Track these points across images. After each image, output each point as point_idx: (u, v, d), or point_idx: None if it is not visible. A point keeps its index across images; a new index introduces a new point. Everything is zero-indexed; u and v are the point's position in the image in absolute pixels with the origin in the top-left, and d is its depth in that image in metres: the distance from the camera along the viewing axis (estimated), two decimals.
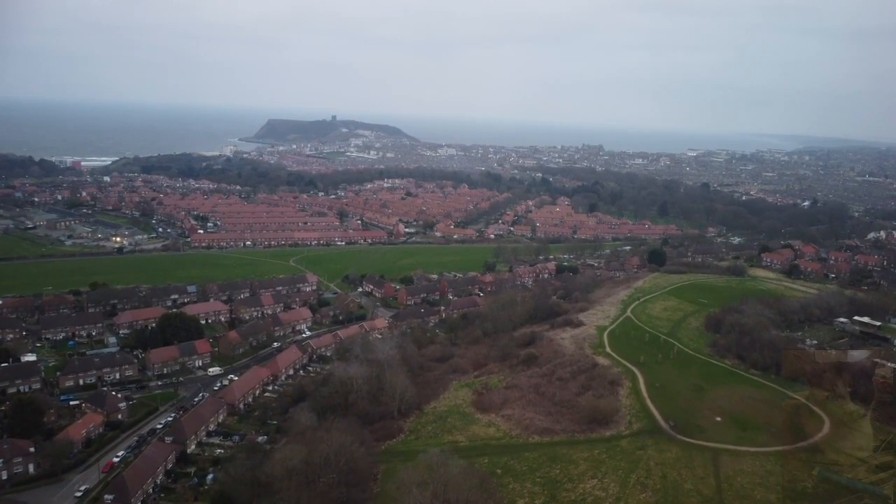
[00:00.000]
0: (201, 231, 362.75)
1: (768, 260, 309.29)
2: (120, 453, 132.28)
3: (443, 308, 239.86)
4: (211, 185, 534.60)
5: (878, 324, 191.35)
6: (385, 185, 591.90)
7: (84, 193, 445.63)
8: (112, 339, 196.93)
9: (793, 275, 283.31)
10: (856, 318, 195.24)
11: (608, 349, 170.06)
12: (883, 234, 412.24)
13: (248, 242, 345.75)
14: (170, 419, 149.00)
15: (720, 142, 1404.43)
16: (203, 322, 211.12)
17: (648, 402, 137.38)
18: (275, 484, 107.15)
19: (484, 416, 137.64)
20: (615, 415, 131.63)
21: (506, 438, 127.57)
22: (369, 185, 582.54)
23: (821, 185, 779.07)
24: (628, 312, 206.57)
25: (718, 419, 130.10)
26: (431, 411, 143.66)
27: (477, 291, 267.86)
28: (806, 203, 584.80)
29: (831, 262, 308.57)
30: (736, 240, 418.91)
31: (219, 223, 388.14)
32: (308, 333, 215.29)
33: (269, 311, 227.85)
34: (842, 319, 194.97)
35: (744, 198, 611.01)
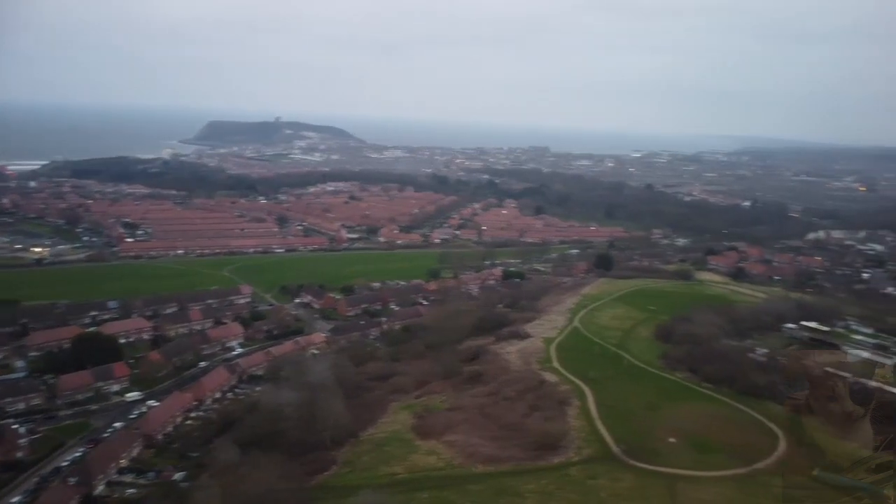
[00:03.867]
0: (130, 240, 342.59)
1: (714, 263, 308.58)
2: (14, 500, 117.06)
3: (385, 319, 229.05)
4: (145, 191, 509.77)
5: (827, 329, 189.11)
6: (329, 188, 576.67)
7: (6, 200, 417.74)
8: (20, 364, 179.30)
9: (739, 277, 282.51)
10: (804, 323, 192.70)
11: (556, 364, 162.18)
12: (822, 233, 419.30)
13: (181, 251, 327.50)
14: (78, 454, 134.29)
15: (663, 142, 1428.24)
16: (123, 341, 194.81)
17: (599, 423, 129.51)
18: None
19: (425, 443, 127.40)
20: (564, 439, 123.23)
21: (448, 468, 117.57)
22: (312, 189, 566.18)
23: (760, 185, 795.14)
24: (576, 322, 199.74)
25: (673, 440, 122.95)
26: (368, 439, 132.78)
27: (421, 300, 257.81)
28: (747, 203, 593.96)
29: (776, 264, 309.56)
30: (681, 242, 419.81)
31: (150, 231, 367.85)
32: (239, 351, 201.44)
33: (198, 328, 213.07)
34: (791, 325, 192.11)
35: (687, 199, 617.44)
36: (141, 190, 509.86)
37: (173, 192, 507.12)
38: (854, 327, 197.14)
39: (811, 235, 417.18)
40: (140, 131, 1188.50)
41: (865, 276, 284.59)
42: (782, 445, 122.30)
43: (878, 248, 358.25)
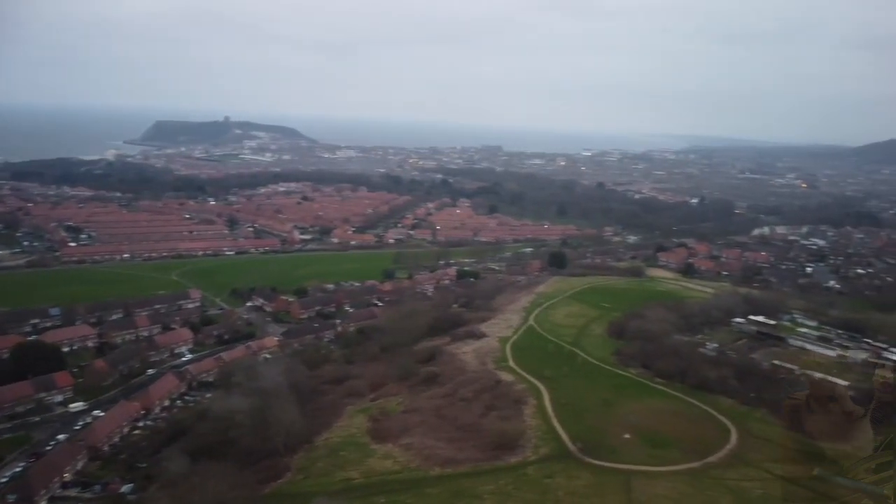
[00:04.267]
0: (73, 244, 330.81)
1: (665, 259, 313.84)
2: None
3: (339, 322, 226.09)
4: (89, 193, 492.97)
5: (774, 323, 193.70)
6: (280, 189, 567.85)
7: None
8: None
9: (688, 273, 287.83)
10: (751, 317, 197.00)
11: (512, 363, 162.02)
12: (767, 230, 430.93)
13: (127, 255, 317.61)
14: (19, 469, 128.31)
15: (613, 141, 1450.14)
16: (67, 350, 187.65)
17: (555, 421, 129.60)
18: None
19: (381, 447, 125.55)
20: (521, 438, 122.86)
21: (405, 472, 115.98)
22: (263, 190, 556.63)
23: (707, 182, 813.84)
24: (531, 321, 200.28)
25: (628, 436, 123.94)
26: (323, 444, 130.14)
27: (376, 301, 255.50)
28: (695, 201, 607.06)
29: (723, 259, 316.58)
30: (632, 239, 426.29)
31: (94, 234, 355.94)
32: (189, 357, 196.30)
33: (145, 334, 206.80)
34: (739, 320, 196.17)
35: (637, 196, 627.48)
36: (85, 192, 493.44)
37: (118, 194, 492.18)
38: (799, 320, 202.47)
39: (756, 231, 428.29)
40: (84, 132, 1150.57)
41: (809, 270, 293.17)
42: (734, 439, 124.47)
43: (820, 242, 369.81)
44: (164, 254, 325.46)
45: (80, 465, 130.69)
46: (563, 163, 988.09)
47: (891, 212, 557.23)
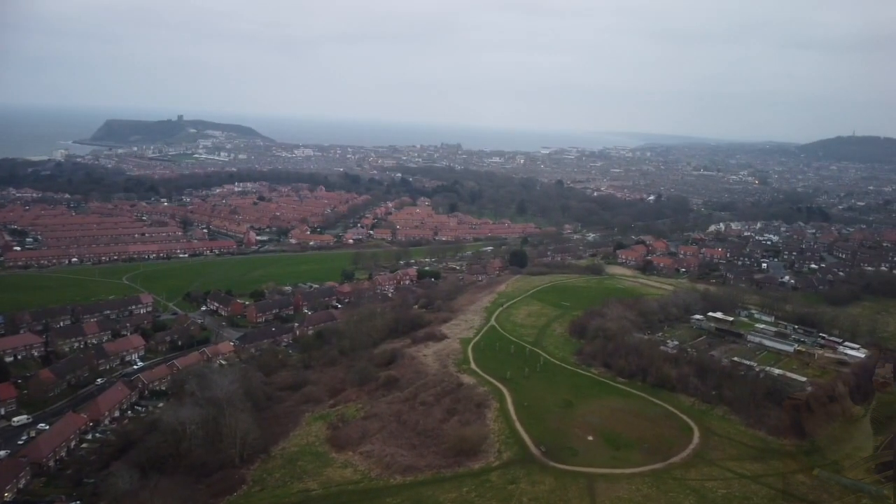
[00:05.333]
0: (18, 248, 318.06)
1: (624, 257, 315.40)
2: None
3: (297, 325, 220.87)
4: (35, 195, 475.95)
5: (731, 319, 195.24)
6: (236, 189, 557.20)
7: None
8: None
9: (647, 270, 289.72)
10: (710, 314, 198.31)
11: (473, 365, 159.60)
12: (722, 226, 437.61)
13: (75, 259, 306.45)
14: None
15: (570, 139, 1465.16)
16: (10, 360, 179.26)
17: (518, 424, 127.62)
18: None
19: (340, 455, 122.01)
20: (483, 443, 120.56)
21: (364, 481, 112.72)
22: (218, 190, 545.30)
23: (663, 179, 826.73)
24: (492, 321, 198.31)
25: (590, 438, 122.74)
26: (280, 454, 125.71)
27: (334, 303, 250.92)
28: (651, 197, 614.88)
29: (681, 256, 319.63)
30: (591, 236, 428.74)
31: (40, 238, 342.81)
32: (140, 364, 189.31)
33: (94, 341, 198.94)
34: (697, 317, 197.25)
35: (595, 194, 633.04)
36: (31, 194, 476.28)
37: (67, 195, 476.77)
38: (756, 316, 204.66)
39: (712, 227, 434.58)
40: (30, 132, 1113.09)
41: (764, 265, 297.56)
42: (696, 438, 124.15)
43: (774, 238, 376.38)
44: (115, 257, 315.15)
45: (22, 483, 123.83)
46: (522, 161, 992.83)
47: (839, 207, 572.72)
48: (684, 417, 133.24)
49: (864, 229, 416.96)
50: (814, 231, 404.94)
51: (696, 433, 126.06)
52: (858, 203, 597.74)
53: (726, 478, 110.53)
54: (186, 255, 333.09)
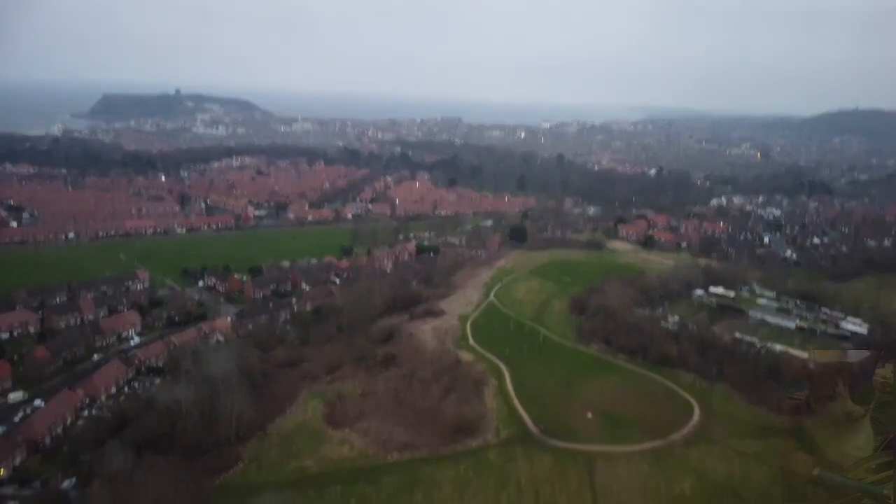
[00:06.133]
0: (14, 224, 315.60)
1: (625, 231, 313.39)
2: None
3: (295, 301, 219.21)
4: (31, 170, 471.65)
5: (733, 294, 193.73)
6: (234, 163, 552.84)
7: None
8: None
9: (648, 246, 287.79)
10: (711, 289, 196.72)
11: (472, 342, 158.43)
12: (724, 199, 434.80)
13: (72, 235, 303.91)
14: None
15: (572, 112, 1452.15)
16: (5, 337, 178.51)
17: (516, 402, 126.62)
18: None
19: (337, 433, 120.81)
20: (481, 422, 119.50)
21: (361, 459, 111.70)
22: (216, 165, 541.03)
23: (664, 153, 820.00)
24: (491, 297, 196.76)
25: (590, 416, 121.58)
26: (276, 431, 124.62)
27: (333, 279, 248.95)
28: (653, 172, 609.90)
29: (682, 231, 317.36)
30: (592, 211, 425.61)
31: (37, 214, 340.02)
32: (136, 341, 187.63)
33: (90, 318, 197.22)
34: (699, 292, 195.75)
35: (596, 168, 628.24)
36: (27, 170, 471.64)
37: (64, 171, 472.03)
38: (758, 291, 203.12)
39: (714, 202, 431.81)
40: (27, 107, 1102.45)
41: (766, 240, 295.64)
42: (696, 415, 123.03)
43: (776, 212, 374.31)
44: (112, 233, 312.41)
45: (18, 461, 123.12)
46: (522, 135, 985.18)
47: (842, 181, 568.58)
48: (685, 395, 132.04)
49: (867, 204, 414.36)
50: (816, 205, 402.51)
51: (697, 411, 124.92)
52: (861, 177, 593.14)
53: (727, 456, 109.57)
54: (184, 231, 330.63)
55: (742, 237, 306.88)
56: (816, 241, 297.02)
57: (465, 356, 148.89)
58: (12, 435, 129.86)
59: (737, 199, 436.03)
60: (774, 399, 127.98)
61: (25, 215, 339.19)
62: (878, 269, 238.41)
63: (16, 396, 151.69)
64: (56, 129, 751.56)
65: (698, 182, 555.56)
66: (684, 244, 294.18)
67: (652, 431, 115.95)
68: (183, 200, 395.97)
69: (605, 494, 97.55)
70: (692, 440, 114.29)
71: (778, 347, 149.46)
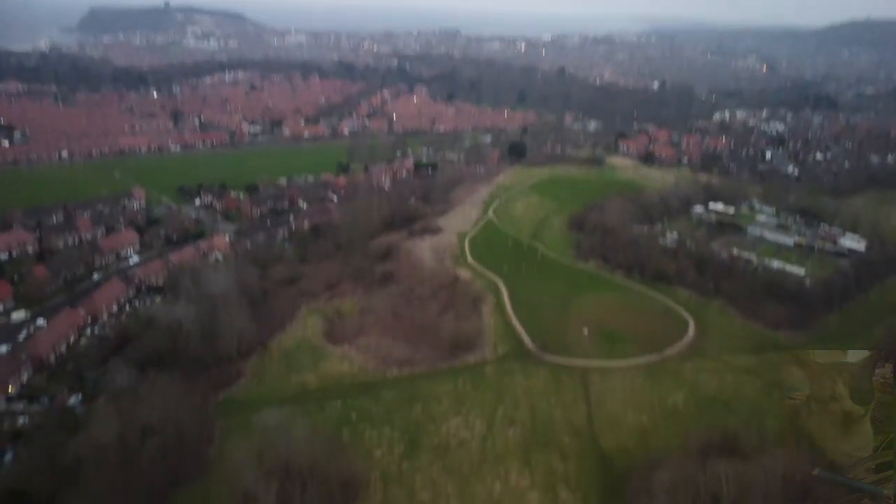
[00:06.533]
0: (6, 143, 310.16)
1: (625, 147, 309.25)
2: None
3: (292, 219, 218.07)
4: (20, 87, 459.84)
5: (732, 211, 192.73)
6: (227, 78, 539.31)
7: None
8: None
9: (648, 161, 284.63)
10: (711, 205, 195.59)
11: (470, 259, 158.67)
12: (727, 114, 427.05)
13: (65, 154, 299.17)
14: None
15: (574, 21, 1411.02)
16: (3, 257, 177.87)
17: (514, 319, 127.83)
18: (82, 469, 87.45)
19: (336, 349, 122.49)
20: (479, 337, 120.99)
21: (361, 374, 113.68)
22: (208, 80, 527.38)
23: (668, 66, 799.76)
24: (490, 214, 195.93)
25: (586, 332, 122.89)
26: (277, 347, 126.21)
27: (331, 196, 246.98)
28: (655, 85, 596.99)
29: (684, 146, 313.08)
30: (592, 126, 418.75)
31: (28, 133, 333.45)
32: (135, 260, 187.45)
33: (88, 237, 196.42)
34: (698, 208, 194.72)
35: (598, 82, 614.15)
36: (15, 87, 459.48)
37: (53, 88, 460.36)
38: (757, 207, 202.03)
39: (717, 116, 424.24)
40: (11, 20, 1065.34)
41: (768, 156, 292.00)
42: (691, 331, 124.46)
43: (780, 127, 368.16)
44: (105, 151, 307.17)
45: (25, 378, 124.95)
46: (522, 47, 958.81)
47: (849, 95, 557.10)
48: (681, 311, 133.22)
49: (873, 118, 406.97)
50: (821, 120, 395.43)
51: (692, 326, 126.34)
52: (868, 90, 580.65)
53: (720, 370, 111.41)
54: (178, 149, 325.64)
55: (744, 153, 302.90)
56: (819, 156, 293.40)
57: (463, 273, 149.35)
58: (18, 353, 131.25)
59: (740, 114, 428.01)
60: (770, 315, 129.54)
61: (17, 134, 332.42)
62: (880, 185, 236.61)
63: (18, 316, 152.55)
64: (43, 45, 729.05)
65: (702, 96, 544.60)
66: (685, 160, 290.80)
67: (647, 347, 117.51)
68: (176, 117, 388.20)
69: (599, 408, 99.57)
70: (687, 355, 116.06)
71: (775, 264, 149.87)
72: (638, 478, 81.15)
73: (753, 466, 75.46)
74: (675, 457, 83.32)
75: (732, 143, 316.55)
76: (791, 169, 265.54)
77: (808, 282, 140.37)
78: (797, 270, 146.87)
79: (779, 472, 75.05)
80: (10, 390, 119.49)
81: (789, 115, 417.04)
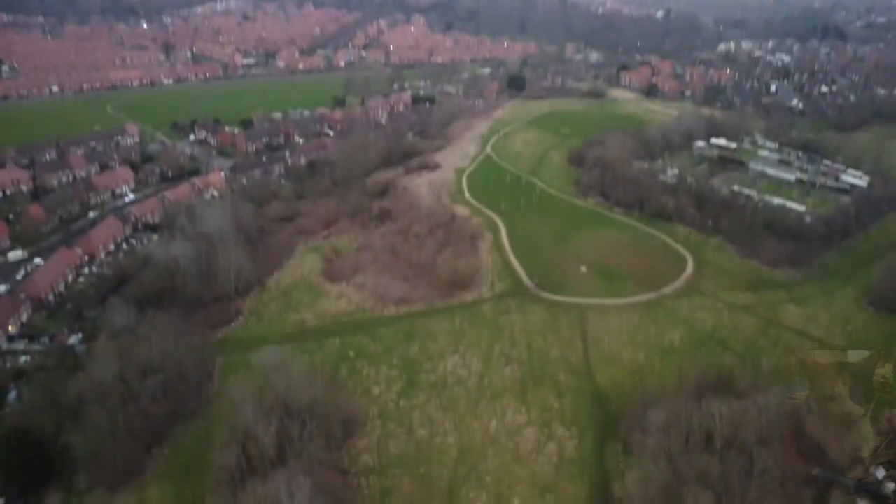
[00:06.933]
0: None
1: (627, 79, 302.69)
2: None
3: (288, 154, 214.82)
4: (6, 18, 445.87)
5: (734, 146, 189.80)
6: (218, 7, 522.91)
7: None
8: None
9: (651, 94, 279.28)
10: (713, 140, 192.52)
11: (468, 196, 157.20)
12: (732, 45, 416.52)
13: (56, 88, 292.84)
14: None
15: None
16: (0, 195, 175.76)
17: (511, 256, 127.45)
18: (84, 408, 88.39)
19: (334, 287, 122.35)
20: (476, 275, 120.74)
21: (358, 312, 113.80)
22: (200, 9, 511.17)
23: None
24: (488, 149, 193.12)
25: (584, 270, 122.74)
26: (274, 285, 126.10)
27: (326, 131, 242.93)
28: (659, 13, 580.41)
29: (687, 78, 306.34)
30: (594, 57, 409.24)
31: (16, 67, 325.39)
32: (131, 197, 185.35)
33: (82, 174, 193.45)
34: (700, 144, 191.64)
35: (600, 10, 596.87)
36: (1, 19, 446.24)
37: (41, 19, 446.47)
38: (760, 143, 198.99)
39: (721, 47, 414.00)
40: None
41: (773, 88, 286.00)
42: (689, 268, 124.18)
43: (786, 59, 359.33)
44: (97, 85, 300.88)
45: (24, 317, 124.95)
46: None
47: (858, 24, 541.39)
48: (679, 248, 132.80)
49: (882, 49, 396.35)
50: (828, 51, 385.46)
51: (690, 264, 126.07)
52: (879, 19, 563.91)
53: (717, 308, 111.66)
54: (171, 82, 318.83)
55: (748, 85, 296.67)
56: (825, 89, 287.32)
57: (461, 210, 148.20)
58: (16, 292, 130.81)
59: (746, 45, 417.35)
60: (769, 252, 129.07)
61: (5, 69, 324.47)
62: (886, 119, 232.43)
63: (15, 255, 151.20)
64: None
65: (709, 25, 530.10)
66: (688, 93, 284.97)
67: (645, 284, 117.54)
68: (168, 49, 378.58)
69: (596, 346, 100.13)
70: (684, 293, 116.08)
71: (776, 201, 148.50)
72: (633, 415, 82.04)
73: (748, 404, 76.19)
74: (670, 394, 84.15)
75: (737, 76, 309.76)
76: (796, 102, 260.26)
77: (808, 218, 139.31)
78: (798, 207, 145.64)
79: (773, 410, 76.01)
80: (10, 330, 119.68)
81: (796, 46, 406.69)
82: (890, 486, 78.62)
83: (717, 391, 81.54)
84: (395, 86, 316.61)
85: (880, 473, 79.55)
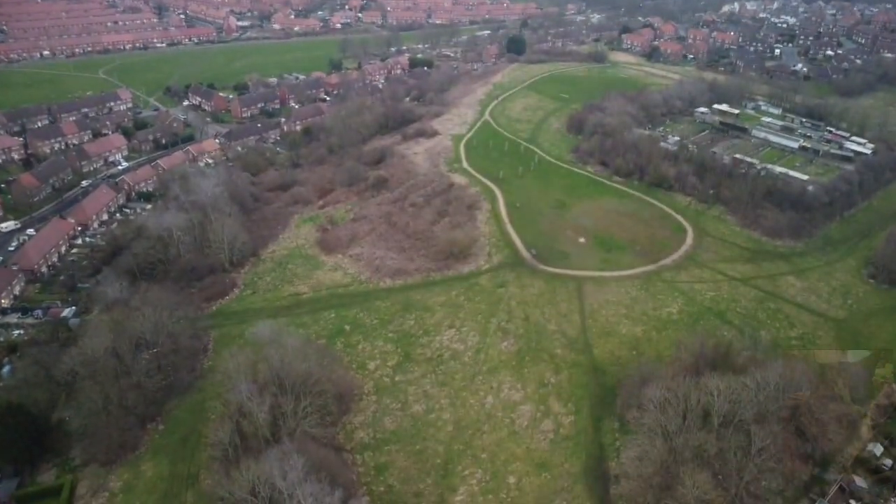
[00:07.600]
0: None
1: (629, 42, 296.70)
2: None
3: (283, 120, 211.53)
4: None
5: (737, 112, 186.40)
6: None
7: None
8: None
9: (653, 58, 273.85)
10: (715, 106, 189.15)
11: (465, 164, 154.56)
12: (736, 6, 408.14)
13: (47, 52, 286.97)
14: None
15: None
16: None
17: (509, 227, 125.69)
18: (78, 382, 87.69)
19: (330, 258, 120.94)
20: (473, 246, 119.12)
21: (354, 285, 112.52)
22: None
23: None
24: (486, 115, 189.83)
25: (582, 241, 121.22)
26: (270, 257, 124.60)
27: (322, 96, 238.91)
28: None
29: (690, 41, 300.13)
30: (596, 18, 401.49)
31: (5, 29, 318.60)
32: (124, 165, 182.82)
33: (75, 142, 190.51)
34: (702, 110, 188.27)
35: None
36: None
37: None
38: (763, 108, 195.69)
39: (726, 8, 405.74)
40: None
41: (777, 51, 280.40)
42: (689, 239, 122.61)
43: (791, 20, 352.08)
44: (89, 49, 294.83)
45: (17, 290, 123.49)
46: None
47: None
48: (679, 218, 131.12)
49: (890, 10, 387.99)
50: (834, 13, 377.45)
51: (690, 234, 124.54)
52: None
53: (716, 280, 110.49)
54: (164, 45, 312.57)
55: (752, 48, 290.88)
56: (830, 52, 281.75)
57: (458, 179, 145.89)
58: (9, 264, 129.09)
59: (750, 5, 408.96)
60: (769, 223, 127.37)
61: None
62: (892, 84, 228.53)
63: (7, 225, 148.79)
64: None
65: None
66: (691, 56, 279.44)
67: (644, 255, 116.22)
68: (160, 11, 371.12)
69: (594, 318, 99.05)
70: (683, 264, 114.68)
71: (778, 169, 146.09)
72: (630, 391, 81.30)
73: (746, 380, 75.35)
74: (668, 368, 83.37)
75: (741, 38, 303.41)
76: (800, 66, 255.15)
77: (810, 187, 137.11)
78: (800, 176, 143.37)
79: (771, 387, 75.27)
80: (3, 303, 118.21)
81: (801, 7, 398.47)
82: (887, 461, 78.79)
83: (716, 366, 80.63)
84: (393, 49, 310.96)
85: (878, 450, 79.49)
